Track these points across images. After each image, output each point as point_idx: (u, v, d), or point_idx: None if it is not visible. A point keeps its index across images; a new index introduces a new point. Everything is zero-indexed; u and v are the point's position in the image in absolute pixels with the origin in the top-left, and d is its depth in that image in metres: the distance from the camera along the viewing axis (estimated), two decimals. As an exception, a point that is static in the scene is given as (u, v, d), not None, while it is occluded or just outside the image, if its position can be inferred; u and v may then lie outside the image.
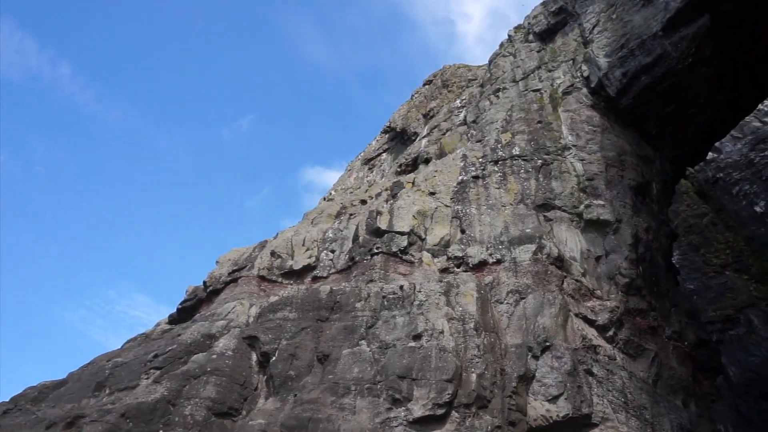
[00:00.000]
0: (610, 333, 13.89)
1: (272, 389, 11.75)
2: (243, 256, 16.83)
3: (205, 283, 16.60)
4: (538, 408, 11.96)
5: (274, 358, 12.20)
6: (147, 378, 11.35)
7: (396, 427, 10.61)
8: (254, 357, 12.59)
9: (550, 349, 12.71)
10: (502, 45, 26.38)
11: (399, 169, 26.73)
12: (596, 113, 19.12)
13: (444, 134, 25.18)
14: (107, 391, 11.32)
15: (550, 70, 21.75)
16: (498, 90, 23.25)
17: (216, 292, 16.09)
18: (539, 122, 19.43)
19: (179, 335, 12.61)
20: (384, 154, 44.47)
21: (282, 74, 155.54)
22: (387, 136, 44.77)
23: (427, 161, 24.69)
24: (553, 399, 12.01)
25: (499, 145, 18.85)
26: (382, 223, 15.62)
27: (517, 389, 11.84)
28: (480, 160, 18.45)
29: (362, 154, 51.08)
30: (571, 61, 21.35)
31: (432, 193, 17.02)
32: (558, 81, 20.86)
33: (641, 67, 18.59)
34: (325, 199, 52.35)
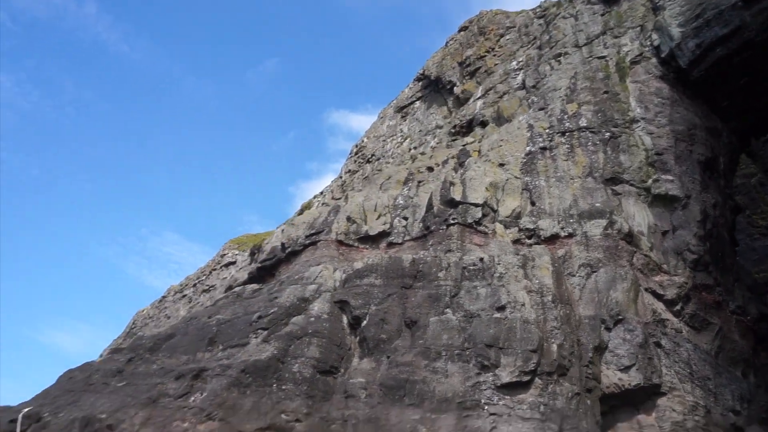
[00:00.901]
0: (678, 307, 14.54)
1: (366, 350, 12.79)
2: (318, 219, 17.62)
3: (283, 244, 17.52)
4: (610, 376, 12.84)
5: (365, 322, 13.18)
6: (256, 337, 12.43)
7: (485, 390, 11.60)
8: (345, 320, 13.60)
9: (623, 323, 13.44)
10: (560, 4, 25.77)
11: (453, 130, 26.91)
12: (665, 85, 18.96)
13: (501, 97, 25.12)
14: (220, 347, 12.46)
15: (616, 36, 21.37)
16: (559, 55, 22.95)
17: (295, 254, 17.02)
18: (605, 92, 19.36)
19: (276, 298, 13.61)
20: (417, 102, 44.27)
21: (308, 15, 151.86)
22: (420, 84, 44.34)
23: (483, 124, 24.82)
24: (625, 369, 12.86)
25: (565, 116, 18.93)
26: (456, 194, 16.15)
27: (593, 359, 12.69)
28: (547, 131, 18.62)
29: (395, 102, 50.80)
30: (639, 28, 20.91)
31: (501, 164, 17.39)
32: (625, 49, 20.54)
33: (717, 39, 18.22)
34: (357, 146, 52.76)
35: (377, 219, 17.16)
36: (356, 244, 16.60)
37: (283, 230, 19.27)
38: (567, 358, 12.30)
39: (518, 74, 25.22)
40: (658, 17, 19.93)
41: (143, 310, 78.56)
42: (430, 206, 16.48)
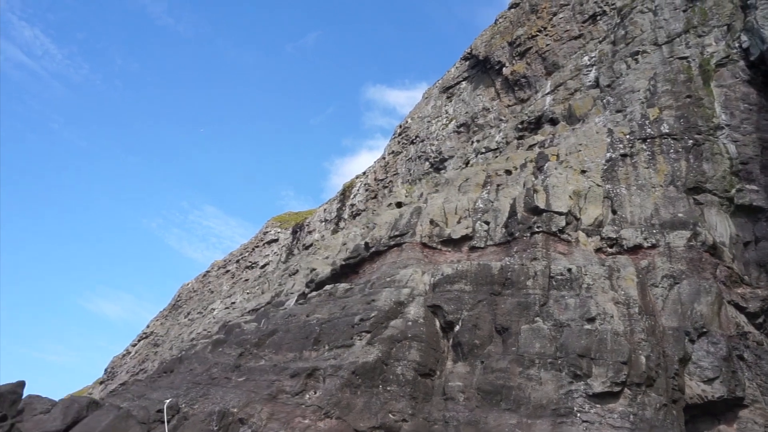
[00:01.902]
0: (760, 320, 14.84)
1: (460, 355, 13.69)
2: (401, 221, 18.45)
3: (366, 243, 18.47)
4: (694, 388, 13.40)
5: (458, 327, 14.06)
6: (360, 339, 13.47)
7: (577, 398, 12.37)
8: (438, 323, 14.51)
9: (707, 335, 13.90)
10: (635, -5, 25.29)
11: (520, 126, 27.07)
12: (753, 90, 18.73)
13: (572, 94, 25.10)
14: (326, 347, 13.58)
15: (699, 36, 21.04)
16: (636, 53, 22.74)
17: (379, 254, 17.96)
18: (688, 96, 19.26)
19: (373, 301, 14.60)
20: (464, 82, 44.18)
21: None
22: (467, 63, 44.10)
23: (553, 121, 24.93)
24: (709, 381, 13.38)
25: (646, 122, 18.99)
26: (540, 202, 16.66)
27: (679, 371, 13.25)
28: (627, 137, 18.75)
29: (440, 82, 50.72)
30: (725, 27, 20.53)
31: (583, 171, 17.72)
32: (709, 50, 20.25)
33: (811, 44, 17.82)
34: (400, 127, 53.11)
35: (458, 222, 17.86)
36: (439, 246, 17.40)
37: (359, 233, 20.18)
38: (654, 370, 12.90)
39: (591, 71, 25.07)
40: (749, 17, 19.51)
41: (188, 284, 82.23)
42: (513, 212, 17.06)
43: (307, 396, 12.29)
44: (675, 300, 14.66)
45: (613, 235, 16.18)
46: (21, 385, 11.48)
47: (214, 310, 64.25)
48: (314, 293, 17.35)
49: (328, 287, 17.32)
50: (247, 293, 59.40)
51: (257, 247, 64.63)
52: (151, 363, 68.56)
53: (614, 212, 16.85)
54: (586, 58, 26.18)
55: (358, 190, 50.91)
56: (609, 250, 16.02)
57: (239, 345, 14.78)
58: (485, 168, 20.53)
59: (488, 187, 19.05)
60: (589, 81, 24.44)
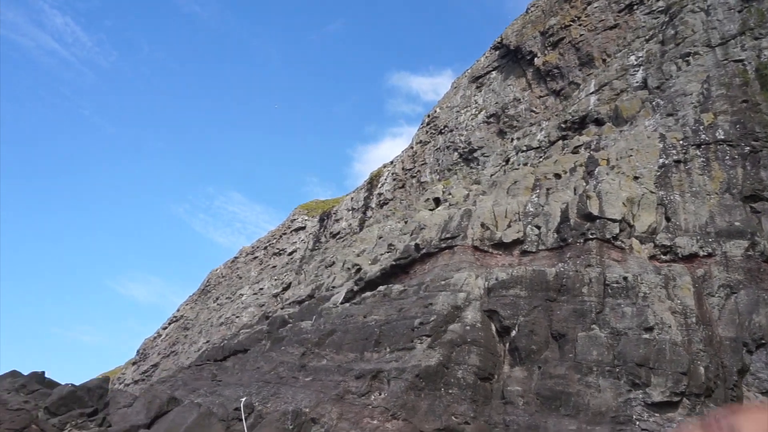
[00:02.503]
0: (818, 332, 14.86)
1: (517, 359, 14.05)
2: (451, 223, 18.76)
3: (417, 245, 18.84)
4: (751, 398, 13.57)
5: (515, 333, 14.40)
6: (420, 343, 13.92)
7: (636, 406, 12.66)
8: (493, 328, 14.87)
9: (765, 346, 14.00)
10: (685, -8, 24.88)
11: (563, 125, 27.00)
12: (812, 95, 18.45)
13: (618, 95, 24.93)
14: (387, 349, 14.06)
15: (756, 38, 20.72)
16: (687, 54, 22.48)
17: (429, 255, 18.33)
18: (744, 101, 19.06)
19: (431, 304, 15.01)
20: (494, 72, 43.89)
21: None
22: (497, 53, 43.75)
23: (598, 122, 24.84)
24: (767, 393, 13.53)
25: (700, 127, 18.88)
26: (593, 208, 16.80)
27: (737, 382, 13.43)
28: (680, 142, 18.69)
29: (469, 71, 50.39)
30: (783, 30, 20.17)
31: (636, 178, 17.77)
32: (767, 52, 19.95)
33: None
34: (429, 116, 53.04)
35: (509, 226, 18.11)
36: (490, 249, 17.70)
37: (409, 230, 20.53)
38: (713, 380, 13.10)
39: (638, 71, 24.84)
40: (808, 21, 19.16)
41: (217, 270, 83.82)
42: (565, 218, 17.23)
43: (373, 397, 12.80)
44: (732, 310, 14.77)
45: (668, 243, 16.27)
46: (107, 380, 12.21)
47: (242, 295, 65.70)
48: (368, 294, 17.82)
49: (382, 288, 17.77)
50: (275, 279, 60.54)
51: (284, 234, 65.62)
52: (181, 346, 70.56)
53: (668, 219, 16.92)
54: (632, 57, 25.89)
55: (385, 179, 51.16)
56: (663, 257, 16.13)
57: (300, 344, 15.36)
58: (533, 171, 20.65)
59: (537, 191, 19.21)
60: (637, 82, 24.21)
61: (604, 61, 30.90)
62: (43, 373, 12.70)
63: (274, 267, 64.27)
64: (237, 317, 62.03)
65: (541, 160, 24.21)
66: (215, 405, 12.28)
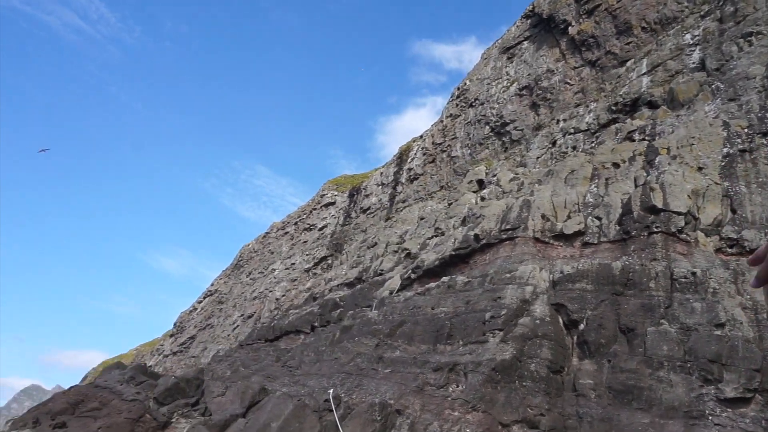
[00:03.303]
0: None
1: (586, 353, 14.52)
2: (510, 214, 19.04)
3: (477, 235, 19.22)
4: (820, 392, 13.88)
5: (583, 326, 14.83)
6: (493, 336, 14.46)
7: (708, 402, 13.09)
8: (561, 321, 15.33)
9: (835, 342, 14.20)
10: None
11: (614, 108, 26.71)
12: None
13: (673, 76, 24.51)
14: (460, 342, 14.65)
15: (824, 19, 20.13)
16: (750, 34, 21.95)
17: (489, 246, 18.71)
18: (812, 87, 18.70)
19: (499, 297, 15.49)
20: (525, 42, 43.08)
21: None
22: (529, 21, 42.86)
23: (651, 105, 24.55)
24: (837, 387, 13.81)
25: (766, 114, 18.63)
26: (657, 201, 16.91)
27: (808, 377, 13.72)
28: (746, 131, 18.51)
29: (499, 42, 49.51)
30: None
31: (700, 168, 17.75)
32: (836, 36, 19.41)
33: None
34: (459, 89, 52.54)
35: (569, 218, 18.34)
36: (551, 241, 18.00)
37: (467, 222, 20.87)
38: (783, 376, 13.42)
39: (694, 51, 24.31)
40: None
41: (249, 245, 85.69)
42: (628, 210, 17.39)
43: (451, 389, 13.46)
44: (799, 304, 14.95)
45: (734, 236, 16.36)
46: (202, 371, 13.07)
47: (274, 270, 67.29)
48: (432, 285, 18.34)
49: (445, 279, 18.27)
50: (307, 254, 61.75)
51: (314, 209, 66.55)
52: (216, 319, 72.92)
53: (734, 211, 16.95)
54: (687, 36, 25.29)
55: (415, 154, 51.18)
56: (729, 250, 16.25)
57: (372, 335, 16.05)
58: (590, 159, 20.69)
59: (596, 181, 19.31)
60: (693, 62, 23.74)
61: (643, 29, 30.19)
62: (145, 364, 13.56)
63: (305, 242, 65.44)
64: (270, 291, 63.74)
65: (593, 145, 24.12)
66: (303, 396, 13.07)
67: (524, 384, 13.48)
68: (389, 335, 15.69)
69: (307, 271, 60.35)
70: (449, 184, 43.06)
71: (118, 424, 10.55)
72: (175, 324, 78.50)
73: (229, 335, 67.01)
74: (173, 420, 11.95)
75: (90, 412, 11.06)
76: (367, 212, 55.45)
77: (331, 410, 12.62)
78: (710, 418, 12.85)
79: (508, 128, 39.23)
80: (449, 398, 13.10)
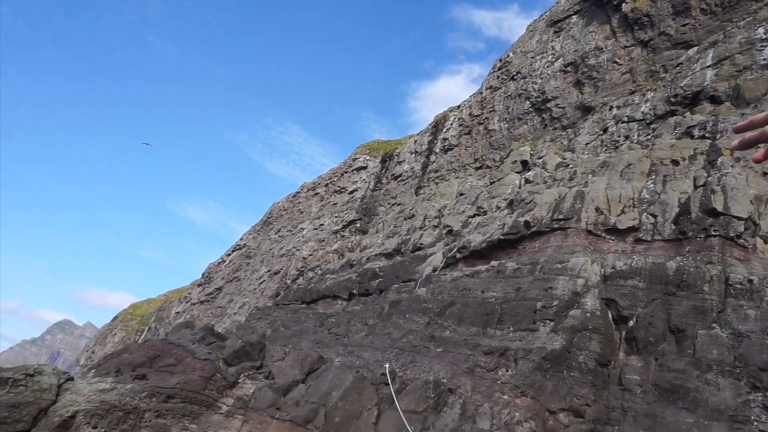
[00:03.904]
0: None
1: (634, 349, 14.83)
2: (563, 204, 19.10)
3: (527, 222, 19.38)
4: None
5: (632, 323, 15.09)
6: (543, 326, 14.84)
7: (754, 408, 13.37)
8: (610, 315, 15.60)
9: None
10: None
11: (673, 99, 26.08)
12: None
13: (740, 72, 23.74)
14: (510, 328, 15.07)
15: None
16: (829, 33, 21.05)
17: (540, 234, 18.88)
18: None
19: (550, 288, 15.79)
20: (575, 16, 41.82)
21: None
22: None
23: (714, 100, 23.91)
24: None
25: (840, 122, 18.11)
26: (717, 204, 16.78)
27: None
28: (816, 137, 18.07)
29: (547, 14, 48.12)
30: None
31: (765, 174, 17.48)
32: None
33: None
34: (501, 60, 51.39)
35: (623, 212, 18.34)
36: (603, 234, 18.09)
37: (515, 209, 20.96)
38: (831, 389, 13.59)
39: (766, 47, 23.42)
40: None
41: (279, 202, 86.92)
42: (685, 210, 17.31)
43: (500, 373, 13.97)
44: None
45: (793, 245, 16.25)
46: (264, 336, 13.77)
47: (303, 230, 68.45)
48: (482, 268, 18.65)
49: (494, 263, 18.58)
50: (336, 217, 62.56)
51: (346, 172, 66.95)
52: (243, 272, 74.90)
53: (795, 220, 16.77)
54: (760, 29, 24.30)
55: (451, 124, 50.73)
56: (786, 259, 16.19)
57: (422, 313, 16.57)
58: (648, 154, 20.45)
59: (653, 177, 19.16)
60: (764, 59, 22.91)
61: (702, 11, 29.05)
62: (213, 326, 14.40)
63: (335, 204, 66.16)
64: (297, 250, 65.02)
65: (648, 137, 23.73)
66: (359, 368, 13.75)
67: (572, 374, 13.91)
68: (439, 314, 16.19)
69: (335, 233, 61.23)
70: (484, 158, 42.75)
71: (193, 381, 11.33)
72: (203, 274, 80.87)
73: (255, 289, 69.00)
74: (240, 380, 12.72)
75: (167, 368, 11.88)
76: (399, 179, 55.55)
77: (388, 384, 13.25)
78: (755, 423, 13.15)
79: (549, 105, 38.50)
80: (499, 381, 13.62)
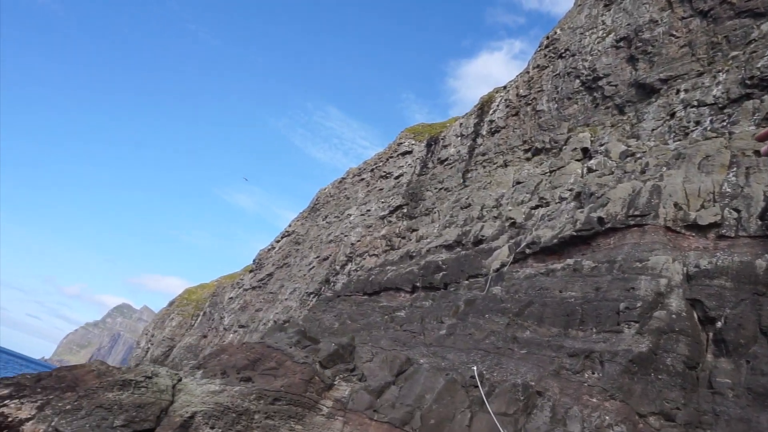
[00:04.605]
0: None
1: (723, 351, 14.69)
2: (638, 199, 18.82)
3: (601, 218, 19.23)
4: None
5: (720, 324, 14.91)
6: (628, 328, 14.87)
7: None
8: (695, 316, 15.46)
9: None
10: None
11: (748, 82, 24.97)
12: None
13: (825, 52, 22.50)
14: (593, 330, 15.16)
15: None
16: None
17: (614, 230, 18.71)
18: None
19: (632, 288, 15.73)
20: None
21: None
22: None
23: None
24: None
25: None
26: (809, 199, 16.23)
27: None
28: None
29: None
30: None
31: None
32: None
33: None
34: (548, 38, 49.93)
35: (702, 207, 17.94)
36: (683, 231, 17.78)
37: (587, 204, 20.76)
38: None
39: None
40: None
41: (325, 189, 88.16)
42: (772, 205, 16.81)
43: (587, 375, 14.14)
44: None
45: None
46: (353, 338, 14.36)
47: (350, 215, 69.37)
48: (557, 266, 18.68)
49: (570, 262, 18.57)
50: (382, 202, 63.03)
51: (391, 157, 67.14)
52: (292, 258, 76.63)
53: None
54: None
55: (497, 105, 49.90)
56: None
57: (501, 313, 16.82)
58: (727, 144, 19.83)
59: (735, 169, 18.61)
60: None
61: None
62: (305, 329, 15.18)
63: (381, 189, 66.61)
64: (345, 236, 66.02)
65: (723, 124, 22.91)
66: (447, 369, 14.19)
67: (660, 377, 13.94)
68: (518, 315, 16.40)
69: (382, 218, 61.81)
70: (533, 139, 42.02)
71: (295, 383, 12.03)
72: (254, 261, 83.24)
73: (305, 275, 70.68)
74: (335, 382, 13.38)
75: (270, 371, 12.63)
76: (445, 163, 55.34)
77: (477, 386, 13.65)
78: None
79: (600, 83, 37.33)
80: (586, 384, 13.81)
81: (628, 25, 35.98)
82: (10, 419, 11.71)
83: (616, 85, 34.93)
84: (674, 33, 32.92)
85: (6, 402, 12.09)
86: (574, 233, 19.68)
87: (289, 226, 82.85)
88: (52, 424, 10.92)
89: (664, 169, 19.89)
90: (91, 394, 11.07)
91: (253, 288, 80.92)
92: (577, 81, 38.86)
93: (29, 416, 11.66)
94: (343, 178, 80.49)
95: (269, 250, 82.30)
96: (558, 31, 45.72)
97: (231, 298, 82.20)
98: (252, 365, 12.85)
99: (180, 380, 12.34)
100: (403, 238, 51.59)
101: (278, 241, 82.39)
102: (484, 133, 49.65)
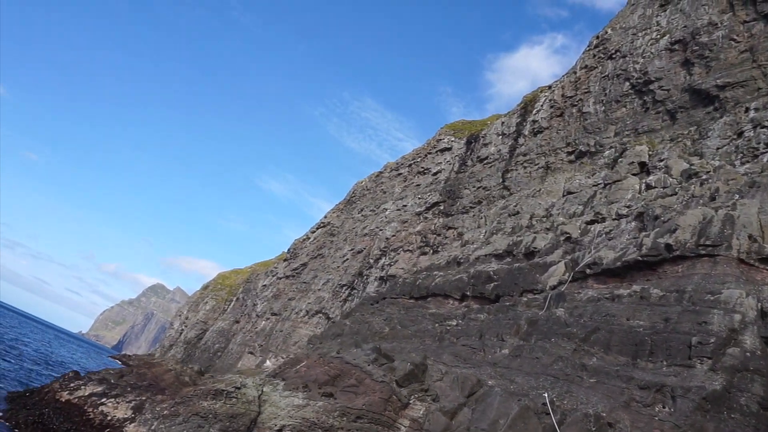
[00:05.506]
0: None
1: (798, 392, 14.68)
2: (710, 229, 18.65)
3: (669, 245, 19.19)
4: None
5: (796, 365, 14.88)
6: (701, 363, 14.96)
7: None
8: (769, 354, 15.42)
9: None
10: None
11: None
12: None
13: None
14: (664, 363, 15.27)
15: None
16: None
17: (683, 258, 18.67)
18: None
19: (705, 322, 15.77)
20: None
21: None
22: None
23: None
24: None
25: None
26: None
27: None
28: None
29: None
30: None
31: None
32: None
33: None
34: (597, 37, 49.02)
35: (778, 240, 17.77)
36: (756, 264, 17.67)
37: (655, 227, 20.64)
38: None
39: None
40: None
41: (362, 182, 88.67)
42: None
43: (657, 409, 14.33)
44: None
45: None
46: (425, 357, 14.82)
47: (386, 210, 69.81)
48: (624, 292, 18.74)
49: (636, 288, 18.63)
50: (419, 198, 63.24)
51: (429, 153, 67.16)
52: (327, 250, 77.60)
53: None
54: None
55: (541, 105, 49.25)
56: None
57: (567, 337, 17.06)
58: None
59: (813, 202, 18.33)
60: None
61: None
62: (381, 347, 15.75)
63: (418, 185, 66.82)
64: (380, 230, 66.53)
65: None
66: (518, 394, 14.55)
67: (732, 416, 14.05)
68: (584, 340, 16.62)
69: (418, 214, 62.10)
70: (577, 142, 41.53)
71: (375, 402, 12.59)
72: (289, 250, 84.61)
73: (338, 267, 71.60)
74: (410, 401, 13.91)
75: (350, 388, 13.23)
76: (484, 162, 55.08)
77: (548, 414, 14.01)
78: None
79: (651, 86, 36.37)
80: (657, 418, 14.02)
81: (685, 27, 35.05)
82: (109, 418, 12.52)
83: (668, 90, 34.14)
84: (735, 37, 31.96)
85: (103, 400, 12.95)
86: (639, 258, 19.68)
87: (325, 217, 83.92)
88: (152, 427, 11.71)
89: (737, 197, 19.68)
90: (186, 402, 11.83)
91: (287, 277, 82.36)
92: (627, 84, 38.19)
93: (127, 416, 12.47)
94: (380, 172, 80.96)
95: (304, 240, 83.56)
96: (609, 31, 44.82)
97: (264, 285, 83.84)
98: (332, 381, 13.43)
99: (263, 392, 13.04)
100: (439, 235, 51.81)
101: (313, 232, 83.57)
102: (527, 133, 49.22)
